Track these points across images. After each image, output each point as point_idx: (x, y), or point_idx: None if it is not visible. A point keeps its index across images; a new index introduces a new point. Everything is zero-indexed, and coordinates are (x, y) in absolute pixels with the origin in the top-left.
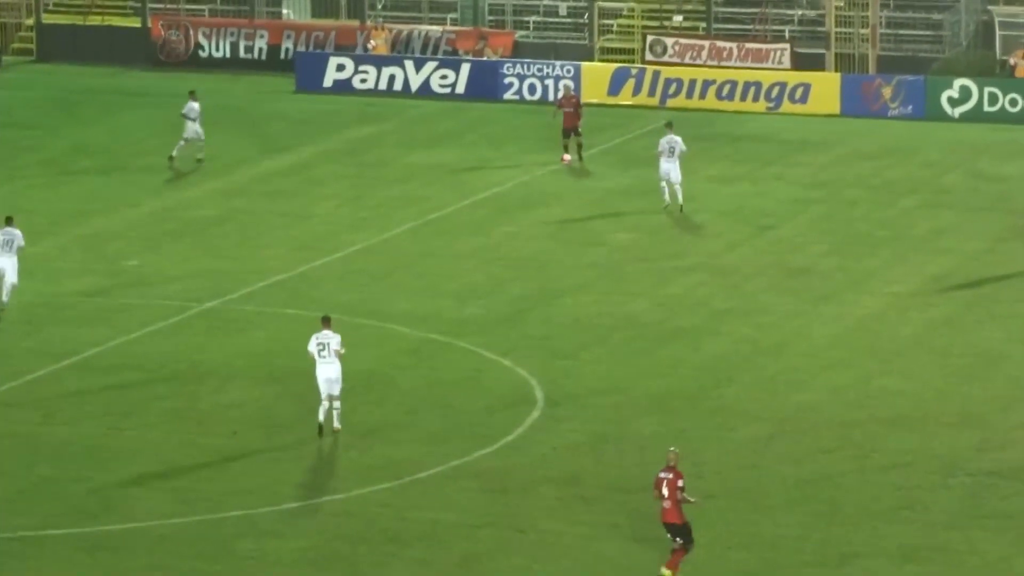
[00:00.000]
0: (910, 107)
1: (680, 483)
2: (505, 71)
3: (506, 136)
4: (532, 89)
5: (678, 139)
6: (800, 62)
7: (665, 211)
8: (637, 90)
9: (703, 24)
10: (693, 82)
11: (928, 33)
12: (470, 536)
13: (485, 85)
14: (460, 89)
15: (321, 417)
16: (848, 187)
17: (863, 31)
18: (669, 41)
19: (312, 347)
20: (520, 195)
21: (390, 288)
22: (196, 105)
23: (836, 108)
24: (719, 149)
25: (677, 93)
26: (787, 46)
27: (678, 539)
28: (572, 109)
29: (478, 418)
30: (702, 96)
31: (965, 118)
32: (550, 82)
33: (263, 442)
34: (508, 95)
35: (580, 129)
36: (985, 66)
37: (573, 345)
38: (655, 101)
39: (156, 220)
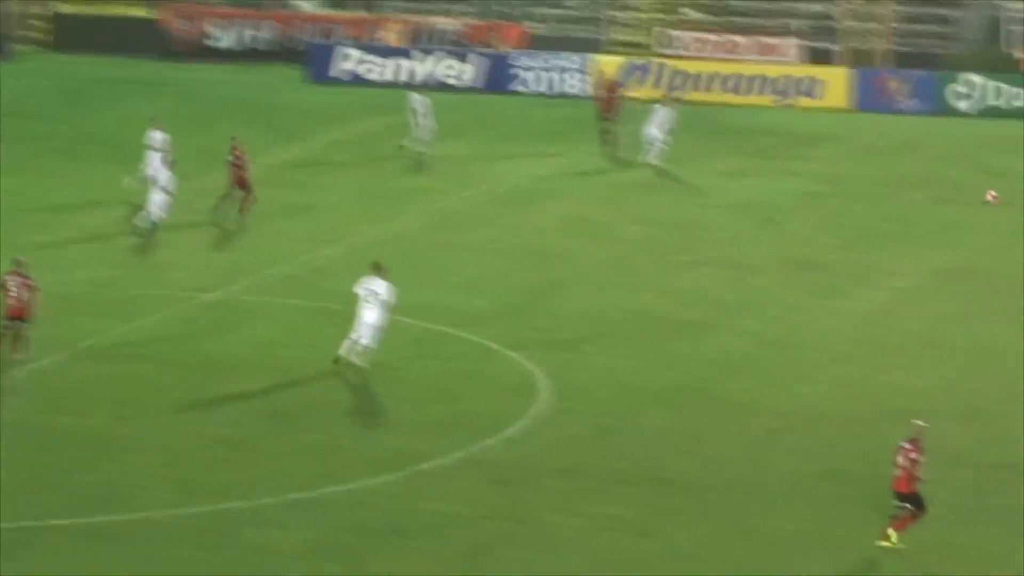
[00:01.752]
0: (920, 102)
1: (914, 456)
2: (515, 63)
3: (516, 128)
4: (542, 81)
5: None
6: (811, 56)
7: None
8: (646, 83)
9: (713, 17)
10: (702, 75)
11: (939, 28)
12: (474, 527)
13: (495, 77)
14: (470, 81)
15: (342, 350)
16: (857, 181)
17: (874, 26)
18: (679, 34)
19: (360, 290)
20: (529, 187)
21: (397, 279)
22: (418, 97)
23: (846, 102)
24: (728, 143)
25: (686, 86)
26: (798, 40)
27: (907, 505)
28: (609, 95)
29: (484, 409)
30: (711, 89)
31: (974, 113)
32: (560, 74)
33: (268, 433)
34: (518, 87)
35: (614, 117)
36: (994, 61)
37: (579, 337)
38: (664, 94)
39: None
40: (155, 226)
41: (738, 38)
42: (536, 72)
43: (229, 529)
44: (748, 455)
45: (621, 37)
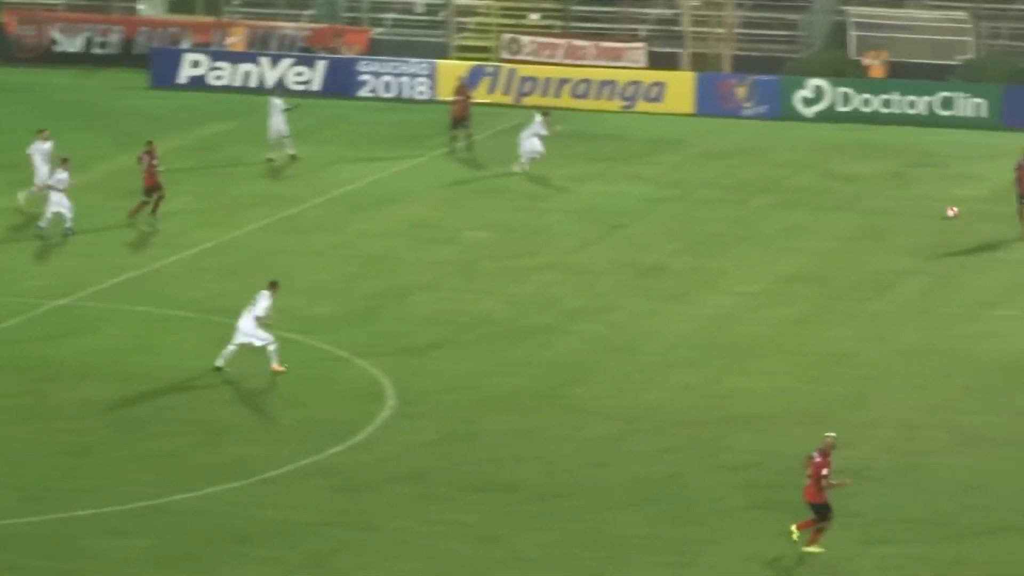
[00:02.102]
0: (764, 107)
1: (824, 471)
2: (361, 68)
3: (361, 133)
4: (388, 87)
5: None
6: (655, 61)
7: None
8: (493, 88)
9: (559, 22)
10: (549, 80)
11: (783, 33)
12: (320, 534)
13: (341, 82)
14: (316, 86)
15: (219, 361)
16: (701, 186)
17: (718, 30)
18: (525, 39)
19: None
20: (374, 193)
21: (242, 285)
22: (278, 102)
23: (691, 107)
24: (574, 148)
25: (533, 91)
26: (643, 45)
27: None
28: (463, 99)
29: (330, 416)
30: (557, 94)
31: (818, 118)
32: (405, 80)
33: (113, 440)
34: (363, 92)
35: (469, 121)
36: (839, 66)
37: (425, 343)
38: (511, 99)
39: (8, 216)
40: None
41: (584, 43)
42: (383, 77)
43: (74, 537)
44: (593, 460)
45: (467, 42)
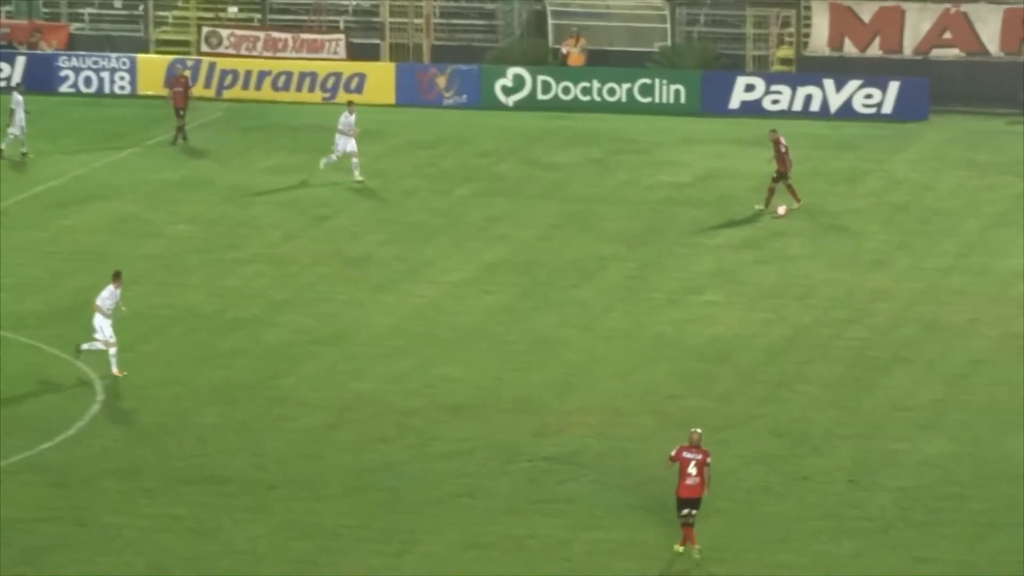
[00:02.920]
0: (465, 96)
1: (709, 460)
2: (60, 64)
3: (62, 129)
4: (88, 82)
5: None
6: (355, 52)
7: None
8: (193, 82)
9: (258, 15)
10: (249, 73)
11: (482, 23)
12: (32, 531)
13: (41, 78)
14: (15, 82)
15: (84, 344)
16: (404, 176)
17: (417, 21)
18: (224, 32)
19: None
20: (77, 188)
21: None
22: (20, 98)
23: (391, 98)
24: (276, 140)
25: (233, 84)
26: (342, 36)
27: (691, 511)
28: (181, 89)
29: (40, 412)
30: (258, 87)
31: (519, 107)
32: (106, 75)
33: None
34: (64, 88)
35: (183, 112)
36: (538, 55)
37: (132, 337)
38: (211, 93)
39: None
40: None
41: (284, 35)
42: (83, 72)
43: None
44: (305, 451)
45: (167, 36)
